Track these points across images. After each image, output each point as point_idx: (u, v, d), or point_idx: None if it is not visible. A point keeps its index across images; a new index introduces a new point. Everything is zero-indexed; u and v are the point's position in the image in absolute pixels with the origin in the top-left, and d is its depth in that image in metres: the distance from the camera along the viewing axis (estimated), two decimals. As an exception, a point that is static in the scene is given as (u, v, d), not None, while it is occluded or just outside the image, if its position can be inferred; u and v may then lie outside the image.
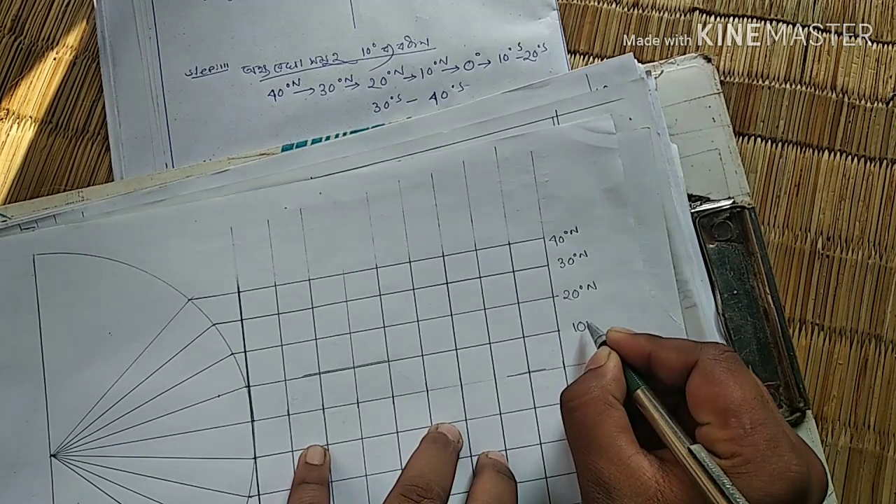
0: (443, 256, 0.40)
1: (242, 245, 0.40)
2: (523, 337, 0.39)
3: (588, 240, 0.39)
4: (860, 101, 0.43)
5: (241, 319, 0.39)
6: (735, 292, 0.40)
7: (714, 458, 0.28)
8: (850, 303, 0.41)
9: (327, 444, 0.38)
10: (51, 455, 0.39)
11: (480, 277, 0.39)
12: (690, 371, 0.31)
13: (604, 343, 0.35)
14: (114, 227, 0.40)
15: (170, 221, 0.40)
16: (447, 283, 0.39)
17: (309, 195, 0.40)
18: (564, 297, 0.39)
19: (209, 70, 0.44)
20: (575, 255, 0.39)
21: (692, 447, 0.28)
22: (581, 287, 0.39)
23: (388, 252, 0.40)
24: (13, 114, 0.45)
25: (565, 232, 0.40)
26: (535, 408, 0.38)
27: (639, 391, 0.32)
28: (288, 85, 0.44)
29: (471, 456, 0.38)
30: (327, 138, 0.42)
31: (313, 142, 0.42)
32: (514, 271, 0.39)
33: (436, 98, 0.43)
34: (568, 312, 0.39)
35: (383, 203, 0.40)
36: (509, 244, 0.40)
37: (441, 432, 0.37)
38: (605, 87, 0.41)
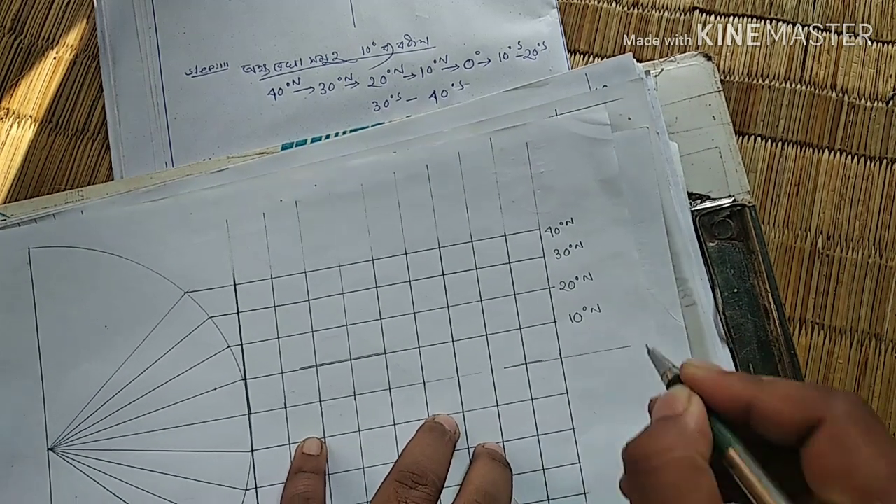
0: (439, 248, 0.40)
1: (238, 238, 0.40)
2: (520, 328, 0.39)
3: (584, 231, 0.39)
4: (860, 101, 0.43)
5: (238, 312, 0.39)
6: (735, 291, 0.40)
7: None
8: (850, 302, 0.41)
9: (324, 437, 0.38)
10: (48, 449, 0.39)
11: (476, 269, 0.39)
12: (811, 430, 0.23)
13: (676, 379, 0.26)
14: (109, 221, 0.40)
15: (165, 214, 0.40)
16: (443, 275, 0.39)
17: (304, 187, 0.40)
18: (560, 289, 0.39)
19: (209, 69, 0.44)
20: (571, 246, 0.39)
21: None
22: (577, 278, 0.39)
23: (384, 244, 0.40)
24: (13, 113, 0.45)
25: (561, 223, 0.40)
26: (532, 399, 0.38)
27: (731, 451, 0.24)
28: (288, 84, 0.44)
29: (468, 448, 0.38)
30: (327, 137, 0.42)
31: (313, 140, 0.42)
32: (510, 263, 0.39)
33: (436, 97, 0.43)
34: (564, 303, 0.39)
35: (379, 195, 0.40)
36: (505, 235, 0.40)
37: (438, 422, 0.37)
38: (604, 86, 0.41)
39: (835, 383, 0.40)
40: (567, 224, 0.40)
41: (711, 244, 0.40)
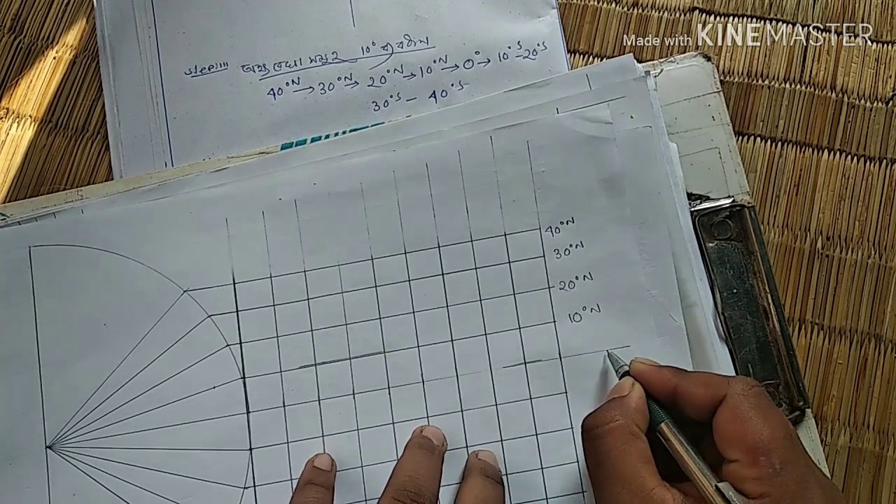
0: (438, 247, 0.40)
1: (237, 236, 0.40)
2: (519, 328, 0.39)
3: (584, 230, 0.39)
4: (860, 101, 0.43)
5: (237, 311, 0.39)
6: (735, 291, 0.40)
7: (742, 497, 0.28)
8: (849, 302, 0.41)
9: (323, 435, 0.38)
10: (46, 447, 0.39)
11: (476, 268, 0.39)
12: (718, 406, 0.30)
13: (626, 373, 0.35)
14: (109, 219, 0.40)
15: (165, 213, 0.40)
16: (443, 274, 0.39)
17: (304, 186, 0.40)
18: (560, 288, 0.39)
19: (209, 69, 0.44)
20: (571, 245, 0.39)
21: (720, 485, 0.28)
22: (577, 278, 0.39)
23: (383, 243, 0.40)
24: (13, 113, 0.45)
25: (561, 222, 0.40)
26: (531, 399, 0.38)
27: (663, 425, 0.32)
28: (287, 84, 0.44)
29: (467, 446, 0.38)
30: (327, 137, 0.42)
31: (313, 140, 0.42)
32: (510, 262, 0.39)
33: (435, 97, 0.43)
34: (564, 303, 0.39)
35: (378, 194, 0.40)
36: (505, 235, 0.40)
37: (426, 437, 0.37)
38: (605, 86, 0.41)
39: (834, 383, 0.40)
40: (567, 223, 0.40)
41: (711, 245, 0.40)
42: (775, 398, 0.38)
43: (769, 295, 0.40)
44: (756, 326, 0.39)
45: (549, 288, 0.39)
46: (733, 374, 0.38)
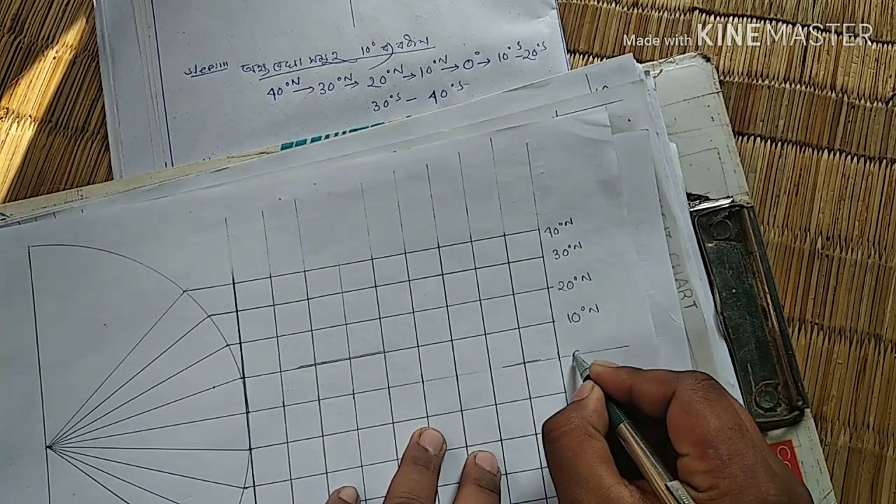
0: (438, 248, 0.40)
1: (237, 236, 0.40)
2: (518, 328, 0.39)
3: (583, 231, 0.39)
4: (860, 101, 0.43)
5: (237, 311, 0.40)
6: (734, 291, 0.40)
7: (691, 490, 0.28)
8: (849, 302, 0.41)
9: (322, 435, 0.38)
10: (46, 446, 0.39)
11: (476, 269, 0.40)
12: (668, 402, 0.31)
13: (588, 376, 0.35)
14: (108, 219, 0.41)
15: (164, 213, 0.40)
16: (442, 275, 0.40)
17: (304, 186, 0.40)
18: (559, 289, 0.39)
19: (208, 69, 0.44)
20: (570, 246, 0.39)
21: (669, 483, 0.29)
22: (576, 279, 0.39)
23: (383, 243, 0.40)
24: (13, 113, 0.45)
25: (560, 223, 0.40)
26: (530, 398, 0.38)
27: (621, 425, 0.32)
28: (287, 83, 0.44)
29: (466, 446, 0.38)
30: (327, 137, 0.42)
31: (313, 140, 0.42)
32: (509, 263, 0.40)
33: (435, 97, 0.44)
34: (562, 303, 0.39)
35: (378, 194, 0.40)
36: (504, 235, 0.40)
37: (423, 447, 0.37)
38: (604, 87, 0.41)
39: (834, 383, 0.40)
40: (566, 225, 0.40)
41: (710, 245, 0.40)
42: (774, 398, 0.38)
43: (768, 295, 0.40)
44: (755, 326, 0.39)
45: (548, 288, 0.39)
46: (732, 374, 0.38)
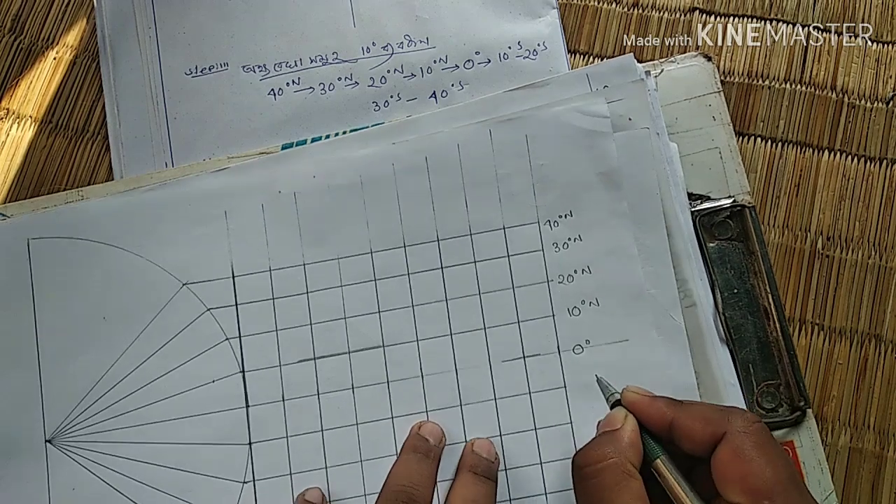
0: (437, 241, 0.40)
1: (236, 229, 0.40)
2: (518, 322, 0.39)
3: (582, 224, 0.39)
4: (860, 101, 0.43)
5: (236, 304, 0.40)
6: (735, 291, 0.40)
7: None
8: (850, 303, 0.41)
9: (322, 430, 0.38)
10: (46, 441, 0.39)
11: (475, 262, 0.40)
12: (717, 443, 0.29)
13: (617, 402, 0.33)
14: (108, 212, 0.40)
15: (164, 206, 0.40)
16: (442, 268, 0.40)
17: (303, 179, 0.40)
18: (559, 282, 0.39)
19: (209, 69, 0.44)
20: (570, 239, 0.39)
21: None
22: (576, 272, 0.39)
23: (382, 236, 0.40)
24: (13, 113, 0.45)
25: (560, 216, 0.40)
26: (529, 393, 0.38)
27: (658, 461, 0.30)
28: (288, 84, 0.44)
29: (465, 441, 0.38)
30: (327, 137, 0.42)
31: (313, 141, 0.42)
32: (508, 256, 0.40)
33: (436, 97, 0.44)
34: (562, 297, 0.39)
35: (377, 187, 0.40)
36: (504, 228, 0.40)
37: (423, 436, 0.37)
38: (605, 86, 0.41)
39: (834, 383, 0.40)
40: (566, 217, 0.40)
41: (711, 245, 0.40)
42: (776, 398, 0.38)
43: (770, 295, 0.40)
44: (756, 326, 0.39)
45: (547, 282, 0.39)
46: (733, 374, 0.38)
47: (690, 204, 0.40)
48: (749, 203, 0.41)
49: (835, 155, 0.43)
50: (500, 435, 0.38)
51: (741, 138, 0.43)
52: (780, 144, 0.43)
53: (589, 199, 0.40)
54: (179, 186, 0.41)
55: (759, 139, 0.43)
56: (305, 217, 0.40)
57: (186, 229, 0.40)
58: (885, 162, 0.43)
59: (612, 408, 0.33)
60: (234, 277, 0.40)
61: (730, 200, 0.41)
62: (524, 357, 0.39)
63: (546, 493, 0.37)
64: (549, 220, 0.40)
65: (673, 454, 0.30)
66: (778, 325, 0.39)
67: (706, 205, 0.41)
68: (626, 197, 0.39)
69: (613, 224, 0.39)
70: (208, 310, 0.40)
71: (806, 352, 0.40)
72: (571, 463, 0.31)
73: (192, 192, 0.41)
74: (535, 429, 0.38)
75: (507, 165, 0.40)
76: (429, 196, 0.40)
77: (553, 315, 0.39)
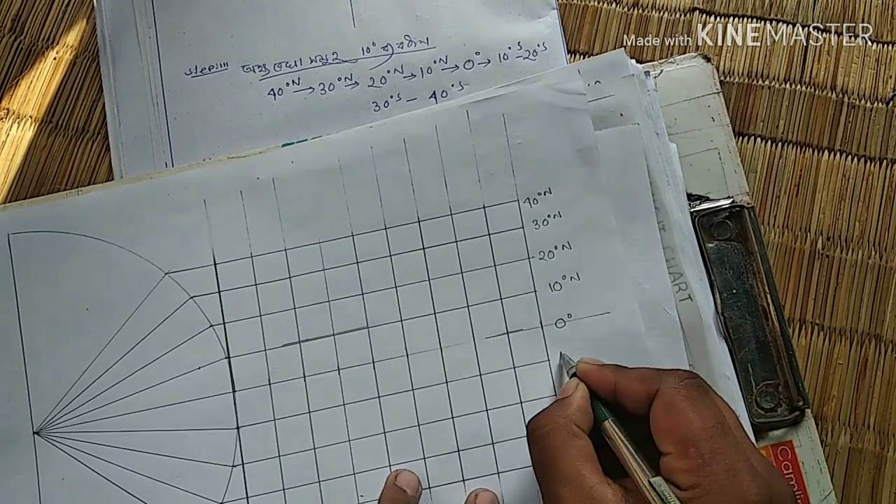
0: (418, 222, 0.40)
1: (216, 217, 0.40)
2: (500, 299, 0.39)
3: (561, 201, 0.40)
4: (860, 101, 0.43)
5: (219, 291, 0.40)
6: (734, 291, 0.40)
7: (674, 489, 0.28)
8: (849, 303, 0.41)
9: (309, 412, 0.38)
10: (34, 432, 0.39)
11: (457, 241, 0.40)
12: (651, 400, 0.31)
13: (575, 374, 0.36)
14: (87, 204, 0.41)
15: (143, 196, 0.40)
16: (423, 249, 0.40)
17: (281, 164, 0.40)
18: (540, 259, 0.39)
19: (209, 69, 0.44)
20: (549, 216, 0.40)
21: (652, 480, 0.29)
22: (556, 248, 0.39)
23: (363, 219, 0.40)
24: (13, 113, 0.45)
25: (539, 193, 0.40)
26: (514, 367, 0.39)
27: (606, 423, 0.32)
28: (287, 84, 0.44)
29: (452, 417, 0.38)
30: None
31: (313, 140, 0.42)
32: (489, 234, 0.40)
33: (435, 97, 0.44)
34: (544, 273, 0.39)
35: (356, 170, 0.40)
36: (484, 207, 0.40)
37: (399, 487, 0.37)
38: (597, 82, 0.41)
39: (834, 384, 0.40)
40: (545, 194, 0.40)
41: (710, 245, 0.40)
42: (775, 398, 0.38)
43: (769, 295, 0.40)
44: (756, 327, 0.39)
45: (528, 258, 0.39)
46: (730, 368, 0.38)
47: (689, 204, 0.40)
48: (748, 204, 0.41)
49: (835, 155, 0.43)
50: (487, 410, 0.38)
51: (741, 138, 0.43)
52: (780, 144, 0.43)
53: (567, 176, 0.40)
54: (158, 178, 0.41)
55: (759, 139, 0.43)
56: (285, 202, 0.40)
57: (166, 219, 0.40)
58: (885, 162, 0.43)
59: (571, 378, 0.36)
60: (215, 265, 0.40)
61: (729, 201, 0.41)
62: (508, 333, 0.39)
63: (533, 465, 0.37)
64: (528, 198, 0.40)
65: (627, 421, 0.32)
66: (777, 325, 0.39)
67: (705, 205, 0.41)
68: (602, 171, 0.39)
69: (591, 199, 0.39)
70: (191, 298, 0.40)
71: (806, 352, 0.40)
72: (525, 428, 0.33)
73: (171, 183, 0.41)
74: (521, 402, 0.38)
75: (485, 145, 0.40)
76: (408, 178, 0.40)
77: (535, 291, 0.39)
